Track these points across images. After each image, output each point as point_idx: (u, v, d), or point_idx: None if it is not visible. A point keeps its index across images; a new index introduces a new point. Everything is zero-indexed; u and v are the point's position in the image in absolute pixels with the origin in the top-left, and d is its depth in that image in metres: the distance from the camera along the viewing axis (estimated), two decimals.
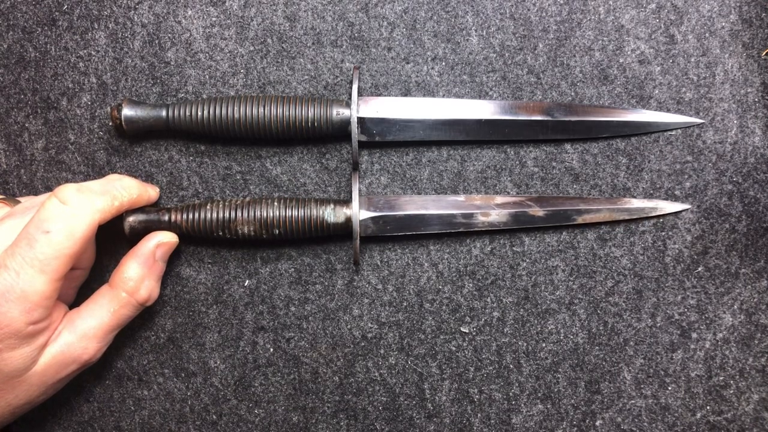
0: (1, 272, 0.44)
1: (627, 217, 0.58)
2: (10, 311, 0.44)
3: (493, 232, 0.59)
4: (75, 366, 0.51)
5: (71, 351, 0.50)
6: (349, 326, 0.59)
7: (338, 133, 0.57)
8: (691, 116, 0.60)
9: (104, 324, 0.51)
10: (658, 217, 0.59)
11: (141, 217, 0.54)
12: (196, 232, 0.55)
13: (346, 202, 0.56)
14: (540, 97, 0.60)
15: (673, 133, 0.60)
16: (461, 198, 0.58)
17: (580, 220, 0.58)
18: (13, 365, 0.46)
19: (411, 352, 0.59)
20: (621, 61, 0.60)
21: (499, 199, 0.58)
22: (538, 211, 0.58)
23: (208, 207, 0.55)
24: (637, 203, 0.58)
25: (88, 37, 0.60)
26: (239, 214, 0.54)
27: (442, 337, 0.59)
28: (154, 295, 0.54)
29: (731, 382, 0.59)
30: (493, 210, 0.57)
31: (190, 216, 0.54)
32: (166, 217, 0.55)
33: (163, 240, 0.54)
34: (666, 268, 0.59)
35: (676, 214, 0.59)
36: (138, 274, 0.53)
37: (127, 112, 0.56)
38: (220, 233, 0.55)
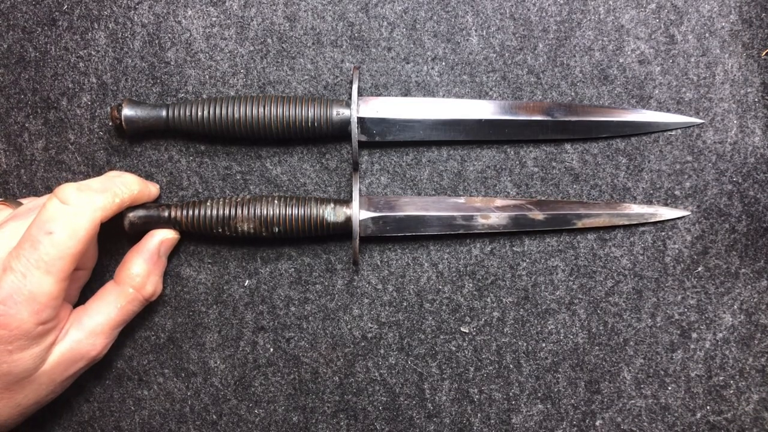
0: (8, 275, 0.44)
1: (626, 222, 0.58)
2: (19, 313, 0.44)
3: (493, 233, 0.59)
4: (83, 363, 0.51)
5: (79, 348, 0.50)
6: (349, 326, 0.59)
7: (338, 133, 0.57)
8: (691, 116, 0.60)
9: (111, 320, 0.52)
10: (657, 222, 0.59)
11: (141, 213, 0.55)
12: (196, 228, 0.55)
13: (347, 201, 0.56)
14: (540, 97, 0.60)
15: (673, 133, 0.60)
16: (461, 200, 0.58)
17: (579, 224, 0.58)
18: (23, 366, 0.46)
19: (411, 352, 0.59)
20: (621, 61, 0.60)
21: (499, 202, 0.58)
22: (538, 215, 0.58)
23: (208, 204, 0.55)
24: (636, 209, 0.58)
25: (88, 37, 0.60)
26: (239, 211, 0.54)
27: (442, 337, 0.59)
28: (158, 290, 0.55)
29: (731, 382, 0.59)
30: (493, 213, 0.57)
31: (190, 212, 0.55)
32: (166, 213, 0.55)
33: (166, 237, 0.55)
34: (666, 268, 0.59)
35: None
36: (144, 270, 0.54)
37: (127, 112, 0.56)
38: (220, 230, 0.55)
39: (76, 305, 0.53)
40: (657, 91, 0.60)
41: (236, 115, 0.55)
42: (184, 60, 0.60)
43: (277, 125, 0.56)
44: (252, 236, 0.55)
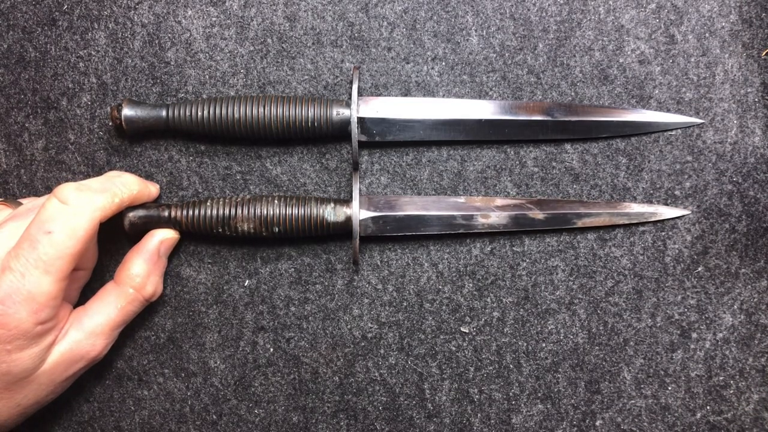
0: (7, 275, 0.44)
1: (626, 222, 0.58)
2: (17, 312, 0.44)
3: (493, 233, 0.59)
4: (83, 363, 0.51)
5: (79, 348, 0.50)
6: (349, 326, 0.59)
7: (338, 133, 0.57)
8: (691, 116, 0.60)
9: (111, 320, 0.52)
10: (658, 222, 0.59)
11: (141, 213, 0.55)
12: (196, 228, 0.55)
13: (347, 201, 0.56)
14: (540, 97, 0.60)
15: (673, 133, 0.60)
16: (461, 199, 0.58)
17: (579, 223, 0.58)
18: (22, 366, 0.46)
19: (411, 352, 0.59)
20: (621, 61, 0.60)
21: (500, 201, 0.58)
22: (538, 214, 0.58)
23: (208, 204, 0.55)
24: (636, 208, 0.58)
25: (88, 37, 0.60)
26: (239, 211, 0.54)
27: (442, 337, 0.59)
28: (158, 290, 0.55)
29: (731, 382, 0.59)
30: (493, 212, 0.57)
31: (190, 212, 0.55)
32: (166, 213, 0.55)
33: (165, 236, 0.55)
34: (666, 268, 0.59)
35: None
36: (144, 270, 0.54)
37: (127, 112, 0.56)
38: (220, 230, 0.55)
39: (76, 305, 0.53)
40: (657, 91, 0.60)
41: (236, 115, 0.55)
42: (184, 60, 0.60)
43: (277, 125, 0.56)
44: (252, 236, 0.55)
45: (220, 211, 0.54)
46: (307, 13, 0.60)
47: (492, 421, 0.59)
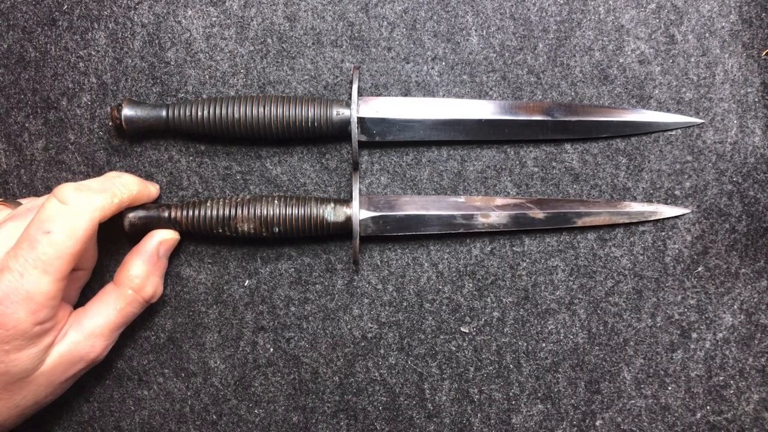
0: (5, 274, 0.44)
1: (627, 221, 0.58)
2: (15, 312, 0.44)
3: (493, 232, 0.59)
4: (82, 365, 0.51)
5: (78, 350, 0.50)
6: (349, 326, 0.59)
7: (338, 133, 0.57)
8: (691, 116, 0.60)
9: (111, 322, 0.52)
10: (658, 221, 0.59)
11: (141, 213, 0.55)
12: (196, 229, 0.55)
13: (347, 201, 0.56)
14: (540, 97, 0.60)
15: (673, 133, 0.60)
16: (461, 199, 0.58)
17: (579, 223, 0.58)
18: (20, 366, 0.46)
19: (411, 352, 0.59)
20: (621, 61, 0.60)
21: (500, 201, 0.58)
22: (538, 214, 0.58)
23: (208, 204, 0.55)
24: (636, 207, 0.58)
25: (88, 37, 0.60)
26: (239, 211, 0.54)
27: (442, 337, 0.59)
28: (158, 291, 0.55)
29: (731, 382, 0.59)
30: (493, 212, 0.57)
31: (190, 213, 0.55)
32: (166, 214, 0.55)
33: (165, 237, 0.55)
34: (666, 268, 0.59)
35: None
36: (143, 271, 0.53)
37: (127, 112, 0.56)
38: (220, 230, 0.55)
39: (76, 306, 0.53)
40: (657, 91, 0.60)
41: (236, 115, 0.55)
42: (184, 60, 0.60)
43: (277, 125, 0.56)
44: (252, 236, 0.55)
45: (220, 212, 0.54)
46: (307, 13, 0.60)
47: (492, 421, 0.59)
